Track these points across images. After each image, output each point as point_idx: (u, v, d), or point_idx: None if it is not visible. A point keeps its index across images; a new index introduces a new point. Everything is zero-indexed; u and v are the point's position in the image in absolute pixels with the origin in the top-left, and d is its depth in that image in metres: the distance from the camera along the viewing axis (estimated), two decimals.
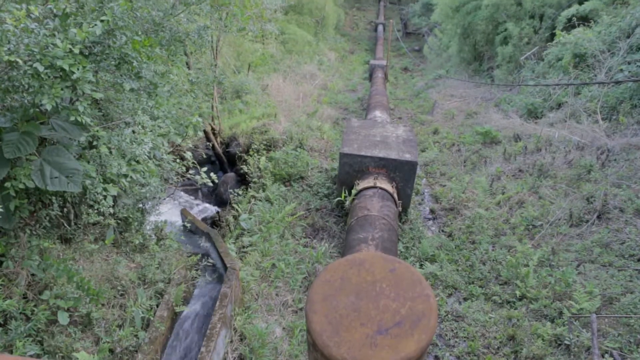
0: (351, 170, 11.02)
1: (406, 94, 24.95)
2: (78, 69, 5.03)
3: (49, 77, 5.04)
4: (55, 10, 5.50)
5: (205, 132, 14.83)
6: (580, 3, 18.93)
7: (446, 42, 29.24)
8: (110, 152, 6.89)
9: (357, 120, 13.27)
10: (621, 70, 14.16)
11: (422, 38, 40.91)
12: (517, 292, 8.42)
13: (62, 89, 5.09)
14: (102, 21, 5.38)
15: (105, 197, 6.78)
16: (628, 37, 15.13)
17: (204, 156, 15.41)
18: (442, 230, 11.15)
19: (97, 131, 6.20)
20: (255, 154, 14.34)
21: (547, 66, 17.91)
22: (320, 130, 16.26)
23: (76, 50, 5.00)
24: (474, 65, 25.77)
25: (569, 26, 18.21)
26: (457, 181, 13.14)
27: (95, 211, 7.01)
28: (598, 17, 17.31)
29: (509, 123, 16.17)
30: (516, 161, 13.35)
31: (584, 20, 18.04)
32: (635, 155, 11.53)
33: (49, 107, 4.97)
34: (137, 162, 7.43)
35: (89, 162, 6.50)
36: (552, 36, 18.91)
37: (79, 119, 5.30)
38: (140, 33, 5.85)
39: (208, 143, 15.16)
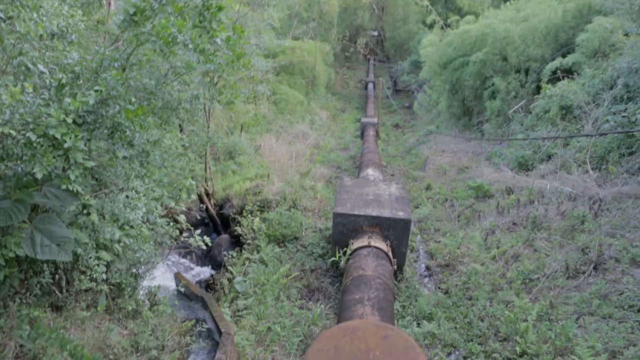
0: (345, 229, 10.99)
1: (398, 151, 25.17)
2: (70, 138, 5.08)
3: (41, 145, 5.08)
4: (51, 81, 5.59)
5: (198, 194, 14.84)
6: (564, 56, 19.39)
7: (435, 98, 29.72)
8: (104, 218, 6.86)
9: (349, 180, 13.34)
10: (607, 120, 14.38)
11: (412, 95, 41.58)
12: (518, 349, 8.28)
13: (54, 157, 5.12)
14: (95, 91, 5.46)
15: (98, 264, 6.72)
16: (611, 88, 15.45)
17: (198, 218, 15.37)
18: (439, 287, 11.04)
19: (88, 200, 6.20)
20: (249, 215, 14.32)
21: (535, 119, 18.18)
22: (313, 189, 16.31)
23: (69, 120, 5.06)
24: (463, 120, 26.11)
25: (554, 78, 18.59)
26: (452, 237, 13.12)
27: (88, 277, 6.93)
28: (581, 70, 17.71)
29: (500, 176, 16.28)
30: (510, 214, 13.37)
31: (568, 72, 18.45)
32: (626, 204, 11.58)
33: (40, 176, 4.99)
34: (131, 226, 7.40)
35: (81, 229, 6.47)
36: (538, 89, 19.27)
37: (70, 187, 5.32)
38: (133, 101, 5.93)
39: (202, 205, 15.14)
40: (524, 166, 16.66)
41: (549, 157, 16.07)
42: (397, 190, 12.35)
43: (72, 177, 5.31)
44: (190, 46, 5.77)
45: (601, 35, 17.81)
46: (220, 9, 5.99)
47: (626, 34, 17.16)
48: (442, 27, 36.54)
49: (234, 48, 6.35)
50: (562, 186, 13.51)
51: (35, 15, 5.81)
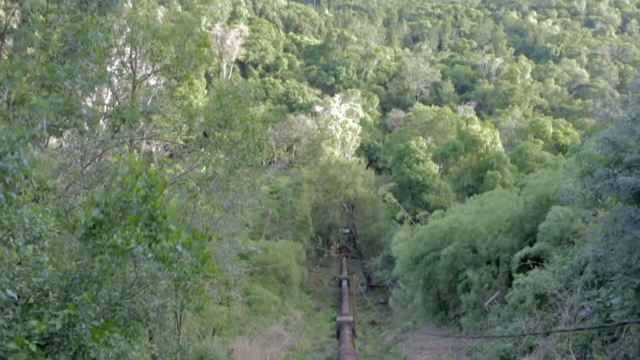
0: None
1: (376, 350, 24.48)
2: None
3: None
4: (17, 299, 5.45)
5: None
6: (531, 245, 19.92)
7: (410, 293, 29.67)
8: None
9: None
10: (582, 307, 14.36)
11: (387, 290, 41.57)
12: None
13: None
14: (62, 309, 5.31)
15: None
16: (581, 274, 15.67)
17: None
18: None
19: None
20: None
21: (512, 309, 18.08)
22: None
23: (33, 347, 4.83)
24: (440, 315, 25.87)
25: (524, 266, 18.86)
26: None
27: None
28: (549, 257, 18.07)
29: None
30: None
31: (537, 260, 18.79)
32: None
33: None
34: None
35: None
36: (511, 279, 19.45)
37: None
38: (98, 315, 5.76)
39: None
40: None
41: (531, 348, 15.72)
42: None
43: None
44: (150, 255, 5.80)
45: (561, 224, 18.51)
46: (164, 217, 6.12)
47: (585, 222, 17.86)
48: (411, 223, 37.76)
49: (197, 253, 6.35)
50: None
51: (11, 240, 5.83)
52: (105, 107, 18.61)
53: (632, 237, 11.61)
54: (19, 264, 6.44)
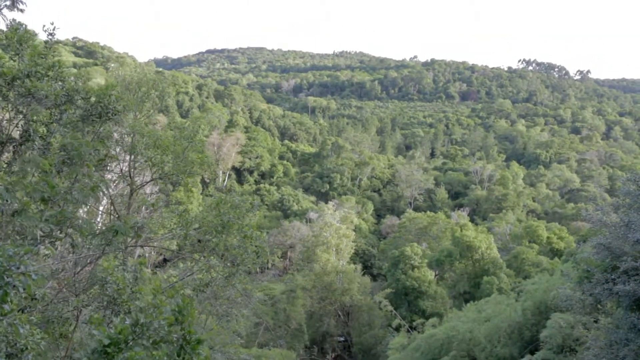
0: None
1: None
2: None
3: None
4: None
5: None
6: (532, 353, 19.43)
7: None
8: None
9: None
10: None
11: None
12: None
13: None
14: None
15: None
16: None
17: None
18: None
19: None
20: None
21: None
22: None
23: None
24: None
25: None
26: None
27: None
28: None
29: None
30: None
31: None
32: None
33: None
34: None
35: None
36: None
37: None
38: None
39: None
40: None
41: None
42: None
43: None
44: None
45: (563, 331, 18.16)
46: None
47: (586, 329, 17.52)
48: (408, 330, 36.97)
49: None
50: None
51: None
52: (101, 213, 18.66)
53: (638, 347, 11.39)
54: None
